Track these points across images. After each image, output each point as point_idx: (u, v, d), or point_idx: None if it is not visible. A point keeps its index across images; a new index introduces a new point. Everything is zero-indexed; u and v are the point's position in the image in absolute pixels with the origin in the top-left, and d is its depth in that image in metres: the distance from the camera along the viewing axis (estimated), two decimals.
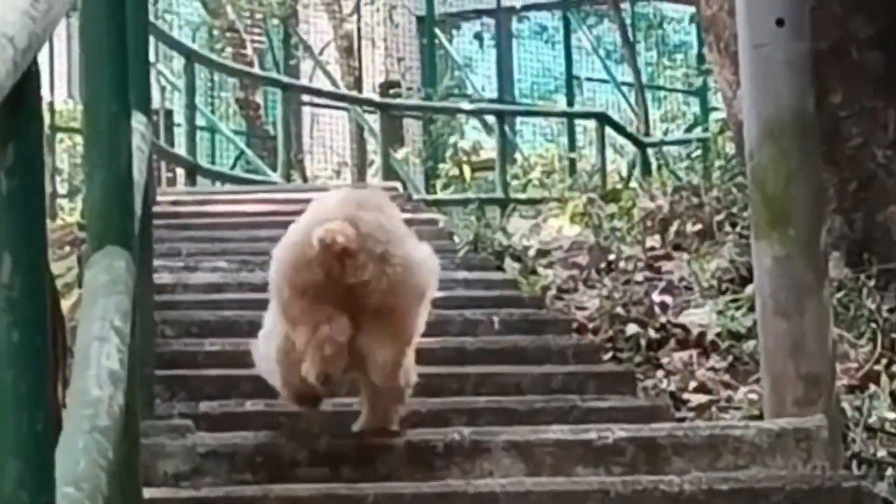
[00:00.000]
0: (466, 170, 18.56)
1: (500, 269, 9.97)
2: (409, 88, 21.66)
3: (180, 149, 16.60)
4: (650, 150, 17.35)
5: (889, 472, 6.95)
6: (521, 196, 16.56)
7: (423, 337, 7.41)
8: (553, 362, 7.68)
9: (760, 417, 6.78)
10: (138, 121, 5.86)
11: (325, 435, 5.51)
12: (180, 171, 17.65)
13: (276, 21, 22.60)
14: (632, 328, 8.76)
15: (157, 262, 9.53)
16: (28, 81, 2.91)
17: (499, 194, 16.33)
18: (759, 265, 6.62)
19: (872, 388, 8.06)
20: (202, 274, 9.45)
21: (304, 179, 20.13)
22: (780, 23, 6.36)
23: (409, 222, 12.20)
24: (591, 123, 18.25)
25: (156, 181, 15.22)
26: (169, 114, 18.80)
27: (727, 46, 8.85)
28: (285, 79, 20.25)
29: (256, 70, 21.25)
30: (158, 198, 13.67)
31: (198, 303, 8.78)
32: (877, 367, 8.19)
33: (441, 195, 17.00)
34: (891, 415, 7.72)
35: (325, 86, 21.87)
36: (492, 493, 5.18)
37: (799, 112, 6.41)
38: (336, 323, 4.89)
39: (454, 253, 10.22)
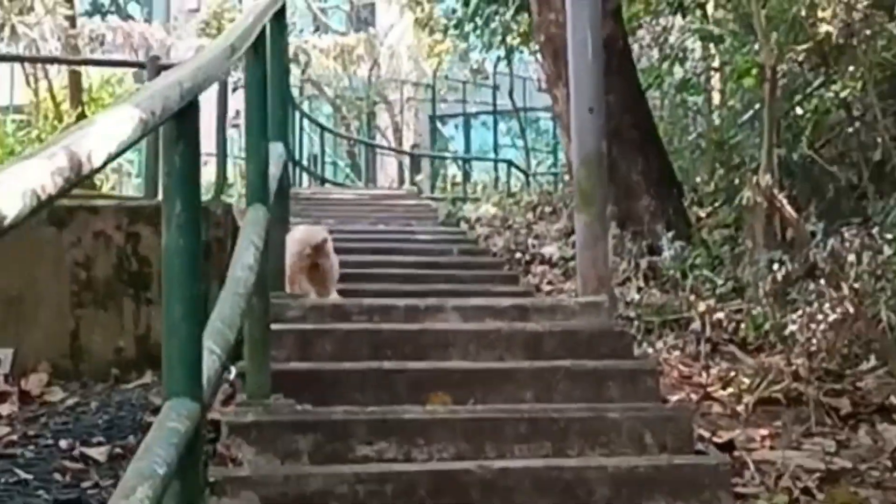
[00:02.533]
0: (449, 185, 22.21)
1: (458, 226, 11.31)
2: (420, 146, 26.76)
3: (317, 170, 20.14)
4: (531, 178, 20.55)
5: (636, 323, 8.19)
6: (471, 196, 18.97)
7: (421, 257, 9.09)
8: (481, 269, 8.71)
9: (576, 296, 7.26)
10: (276, 146, 6.13)
11: (374, 312, 6.14)
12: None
13: (364, 114, 28.58)
14: (518, 255, 10.15)
15: (299, 220, 9.68)
16: (191, 108, 3.07)
17: (461, 195, 19.31)
18: (578, 225, 7.49)
19: (628, 284, 9.41)
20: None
21: (375, 186, 23.83)
22: (591, 110, 7.48)
23: (417, 206, 13.89)
24: (504, 166, 22.60)
25: (297, 181, 16.47)
26: (316, 158, 21.19)
27: (566, 127, 9.83)
28: (370, 141, 26.91)
29: (355, 136, 27.15)
30: (304, 190, 14.98)
31: None
32: (628, 275, 9.60)
33: (437, 195, 19.11)
34: (636, 296, 9.05)
35: (384, 144, 27.55)
36: (444, 329, 5.85)
37: (598, 154, 7.50)
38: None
39: (436, 219, 11.65)
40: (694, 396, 6.12)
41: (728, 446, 5.31)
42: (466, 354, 5.67)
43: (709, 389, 6.22)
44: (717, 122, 12.58)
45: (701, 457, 4.69)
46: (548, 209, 12.22)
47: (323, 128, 19.97)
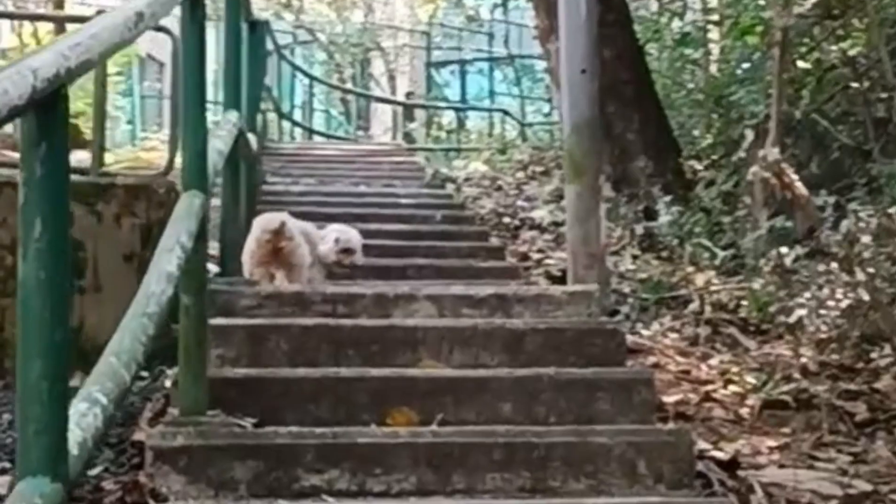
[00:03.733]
0: (443, 134, 21.21)
1: (443, 188, 10.56)
2: (415, 94, 25.68)
3: (306, 122, 19.20)
4: (526, 128, 19.51)
5: (630, 300, 7.54)
6: (465, 144, 18.75)
7: (402, 224, 8.32)
8: (464, 239, 7.98)
9: (564, 275, 6.97)
10: (231, 115, 5.60)
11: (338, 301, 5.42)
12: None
13: (358, 62, 27.64)
14: (506, 219, 9.60)
15: (276, 179, 10.20)
16: (57, 100, 2.36)
17: (454, 146, 19.09)
18: (568, 196, 6.95)
19: (623, 253, 8.77)
20: (297, 186, 9.94)
21: (368, 137, 23.41)
22: (583, 71, 6.91)
23: (403, 164, 12.57)
24: (498, 115, 21.75)
25: (282, 135, 15.44)
26: (309, 104, 20.49)
27: (559, 84, 8.54)
28: (361, 91, 25.65)
29: (350, 87, 26.03)
30: (288, 145, 14.07)
31: (296, 201, 8.94)
32: (623, 242, 9.00)
33: (430, 145, 19.08)
34: (631, 266, 8.42)
35: (379, 93, 26.67)
36: (414, 326, 5.12)
37: (591, 119, 6.93)
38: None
39: (422, 179, 10.83)
40: (693, 396, 5.34)
41: (732, 464, 4.41)
42: (438, 354, 5.00)
43: (709, 388, 5.45)
44: (715, 75, 11.75)
45: (704, 499, 3.81)
46: (539, 169, 11.56)
47: (312, 77, 19.08)
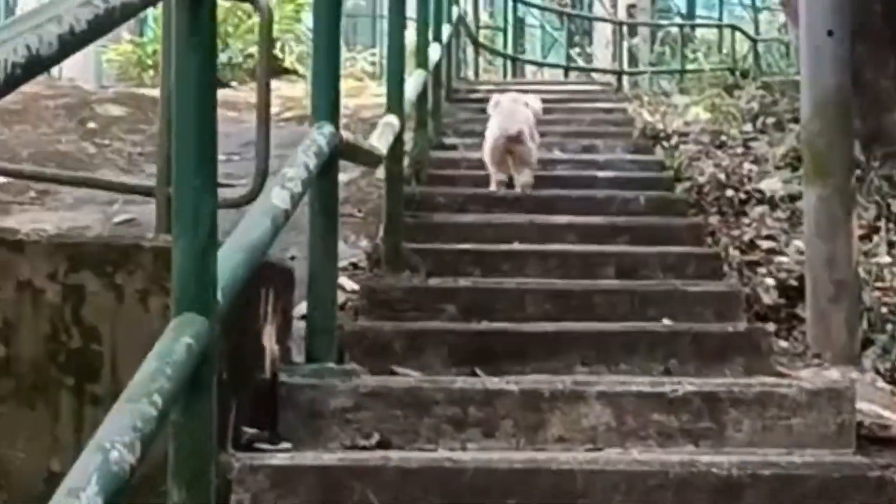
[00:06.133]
0: (667, 49, 19.10)
1: (653, 151, 8.81)
2: (637, 6, 22.74)
3: (516, 43, 17.23)
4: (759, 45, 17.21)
5: (888, 326, 5.86)
6: (690, 68, 16.74)
7: (592, 217, 6.79)
8: (671, 241, 6.35)
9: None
10: (323, 131, 4.03)
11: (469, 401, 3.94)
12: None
13: None
14: (729, 192, 7.89)
15: (456, 140, 8.63)
16: None
17: (677, 67, 17.34)
18: (807, 201, 5.58)
19: (876, 238, 7.04)
20: (477, 152, 7.79)
21: (590, 61, 21.46)
22: (830, 33, 5.60)
23: (610, 111, 10.32)
24: (727, 30, 19.22)
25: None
26: (521, 20, 18.24)
27: (794, 15, 7.30)
28: (577, 12, 23.46)
29: (567, 10, 23.40)
30: (480, 86, 12.40)
31: (468, 174, 7.57)
32: (878, 224, 7.24)
33: (651, 69, 17.62)
34: (887, 259, 6.71)
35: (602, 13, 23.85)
36: (569, 469, 3.54)
37: (841, 96, 5.57)
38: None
39: (630, 135, 9.07)
40: None
41: None
42: None
43: None
44: None
45: None
46: (770, 120, 9.61)
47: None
